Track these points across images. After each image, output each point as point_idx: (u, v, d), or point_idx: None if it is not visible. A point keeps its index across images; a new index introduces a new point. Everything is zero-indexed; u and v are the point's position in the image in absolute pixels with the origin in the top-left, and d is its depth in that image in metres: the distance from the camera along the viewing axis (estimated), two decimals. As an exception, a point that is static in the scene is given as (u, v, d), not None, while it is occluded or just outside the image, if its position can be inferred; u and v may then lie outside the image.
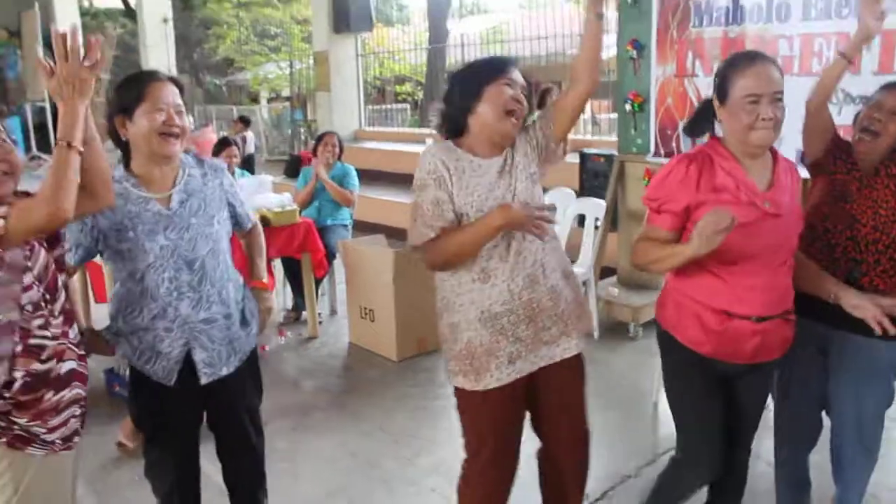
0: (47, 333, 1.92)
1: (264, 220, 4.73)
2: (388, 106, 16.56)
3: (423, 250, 2.27)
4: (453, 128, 2.34)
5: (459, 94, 2.30)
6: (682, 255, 2.15)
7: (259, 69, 20.68)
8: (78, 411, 2.03)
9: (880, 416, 2.53)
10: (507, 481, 2.42)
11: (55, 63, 1.83)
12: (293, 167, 10.15)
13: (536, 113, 2.38)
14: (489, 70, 2.27)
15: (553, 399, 2.39)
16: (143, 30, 14.93)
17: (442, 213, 2.22)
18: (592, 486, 3.24)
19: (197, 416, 2.51)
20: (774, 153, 2.30)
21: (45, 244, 1.98)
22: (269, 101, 20.91)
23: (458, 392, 2.35)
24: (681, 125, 4.80)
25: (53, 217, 1.80)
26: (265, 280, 2.70)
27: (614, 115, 14.21)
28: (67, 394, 1.97)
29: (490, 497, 2.41)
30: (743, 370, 2.33)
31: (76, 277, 5.01)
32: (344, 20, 10.70)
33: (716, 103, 2.25)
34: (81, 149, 1.84)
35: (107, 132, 2.26)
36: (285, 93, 19.92)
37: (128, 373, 2.46)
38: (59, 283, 2.00)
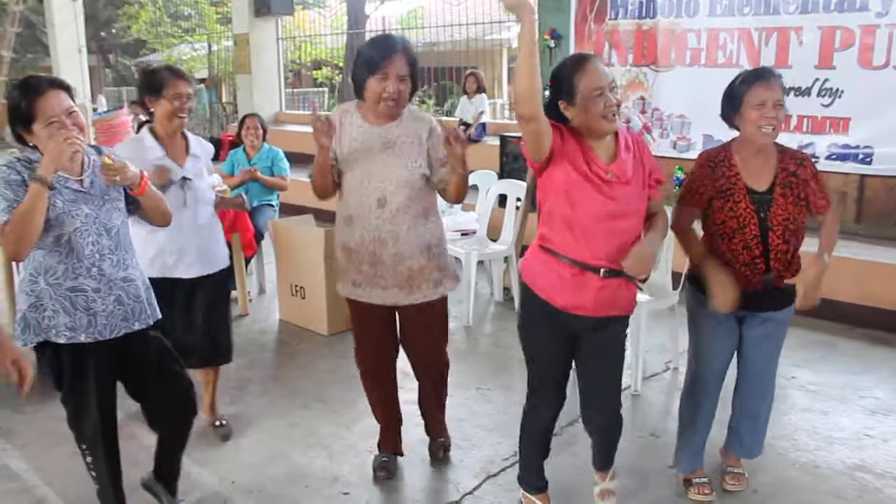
0: None
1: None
2: (307, 89, 16.52)
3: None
4: (359, 94, 2.94)
5: (353, 76, 2.92)
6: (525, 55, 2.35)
7: (172, 51, 20.19)
8: None
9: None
10: (380, 362, 3.22)
11: None
12: (214, 149, 10.05)
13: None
14: (369, 64, 2.82)
15: (409, 331, 3.15)
16: (50, 8, 14.38)
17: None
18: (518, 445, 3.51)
19: (112, 365, 2.68)
20: (616, 133, 2.63)
21: None
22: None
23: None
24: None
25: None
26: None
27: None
28: None
29: (366, 358, 3.25)
30: (589, 325, 2.65)
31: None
32: (265, 3, 10.67)
33: (562, 105, 2.55)
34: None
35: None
36: (199, 75, 19.55)
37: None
38: None
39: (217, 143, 10.36)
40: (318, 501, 3.15)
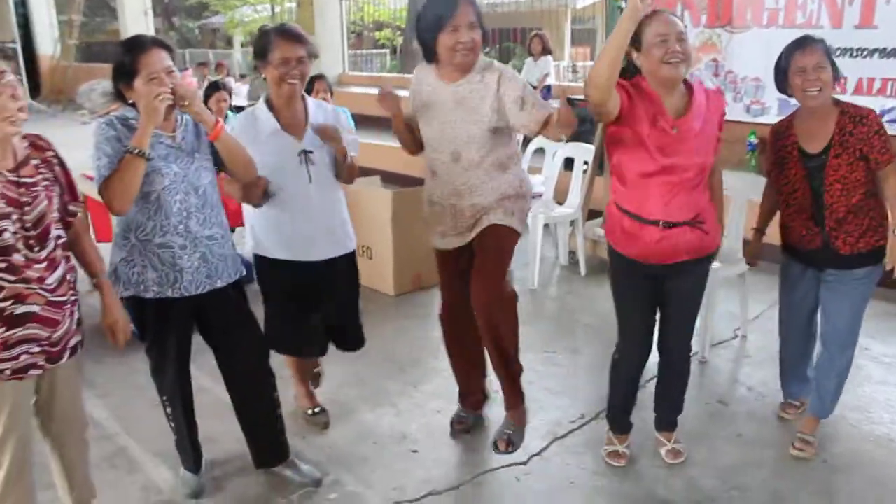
0: (9, 277, 2.10)
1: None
2: (369, 51, 16.52)
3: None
4: (429, 56, 2.96)
5: (421, 39, 2.94)
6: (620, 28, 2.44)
7: (234, 13, 20.33)
8: (35, 349, 2.18)
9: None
10: (458, 301, 3.20)
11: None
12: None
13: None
14: (437, 21, 2.84)
15: (477, 257, 3.06)
16: (117, -29, 14.67)
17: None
18: (585, 408, 3.53)
19: (192, 322, 2.81)
20: (690, 88, 2.73)
21: (55, 191, 2.21)
22: (244, 45, 20.61)
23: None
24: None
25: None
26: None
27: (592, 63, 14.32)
28: (19, 332, 2.14)
29: (446, 306, 3.31)
30: (663, 271, 2.83)
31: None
32: (328, -37, 10.65)
33: (633, 54, 2.67)
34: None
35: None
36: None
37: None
38: (52, 233, 2.17)
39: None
40: (386, 458, 3.22)
